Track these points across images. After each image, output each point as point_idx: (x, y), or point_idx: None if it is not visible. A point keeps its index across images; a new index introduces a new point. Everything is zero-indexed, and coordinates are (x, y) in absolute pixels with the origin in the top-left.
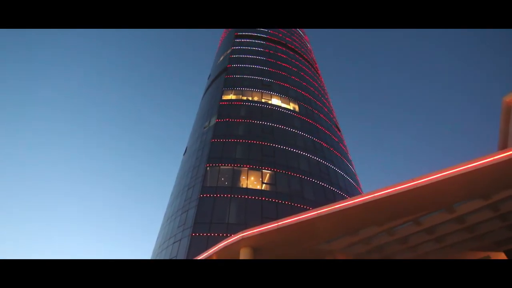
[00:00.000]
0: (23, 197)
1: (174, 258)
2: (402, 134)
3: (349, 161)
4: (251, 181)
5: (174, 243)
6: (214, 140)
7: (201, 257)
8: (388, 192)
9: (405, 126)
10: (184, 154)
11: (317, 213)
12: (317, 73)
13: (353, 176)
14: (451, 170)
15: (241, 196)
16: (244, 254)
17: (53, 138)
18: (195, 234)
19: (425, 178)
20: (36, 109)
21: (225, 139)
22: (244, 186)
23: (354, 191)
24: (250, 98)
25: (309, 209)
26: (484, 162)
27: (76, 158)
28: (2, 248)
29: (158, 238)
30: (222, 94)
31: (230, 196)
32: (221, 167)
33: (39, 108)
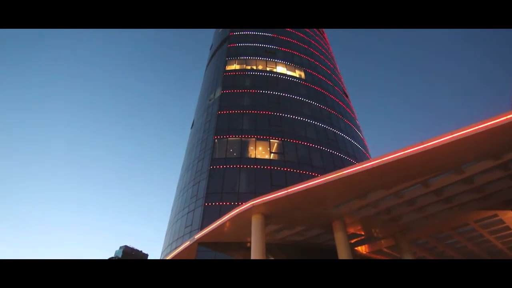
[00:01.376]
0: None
1: (189, 227)
2: (410, 101)
3: (357, 127)
4: (259, 151)
5: (188, 213)
6: (221, 112)
7: (215, 224)
8: (397, 156)
9: (413, 93)
10: (191, 127)
11: (325, 179)
12: (324, 38)
13: (361, 142)
14: (462, 131)
15: (250, 166)
16: (255, 221)
17: (65, 117)
18: (208, 204)
19: (435, 140)
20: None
21: (231, 110)
22: (253, 156)
23: (362, 157)
24: (254, 67)
25: (317, 176)
26: (496, 122)
27: (88, 136)
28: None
29: (172, 209)
30: (225, 64)
31: (239, 166)
32: (229, 138)
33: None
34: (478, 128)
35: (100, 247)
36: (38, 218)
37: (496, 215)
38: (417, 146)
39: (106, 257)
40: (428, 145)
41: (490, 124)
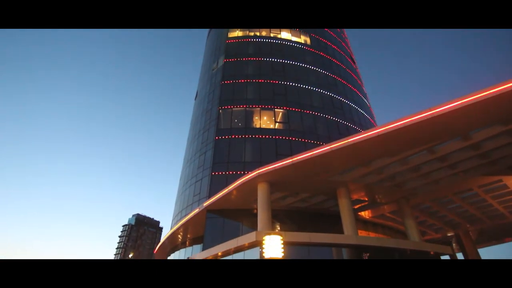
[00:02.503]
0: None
1: (197, 195)
2: (418, 63)
3: (364, 94)
4: (264, 120)
5: (196, 182)
6: (224, 82)
7: (222, 193)
8: (404, 123)
9: (422, 55)
10: (195, 98)
11: (330, 147)
12: None
13: (367, 109)
14: (471, 97)
15: (255, 136)
16: (261, 189)
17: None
18: (215, 173)
19: (443, 106)
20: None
21: (235, 80)
22: (258, 126)
23: (368, 124)
24: (258, 34)
25: (322, 144)
26: (508, 87)
27: (92, 108)
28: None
29: (181, 178)
30: (227, 31)
31: (245, 136)
32: (233, 109)
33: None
34: (488, 93)
35: (115, 216)
36: (55, 188)
37: (500, 180)
38: (425, 113)
39: (121, 224)
40: (437, 111)
41: (501, 89)
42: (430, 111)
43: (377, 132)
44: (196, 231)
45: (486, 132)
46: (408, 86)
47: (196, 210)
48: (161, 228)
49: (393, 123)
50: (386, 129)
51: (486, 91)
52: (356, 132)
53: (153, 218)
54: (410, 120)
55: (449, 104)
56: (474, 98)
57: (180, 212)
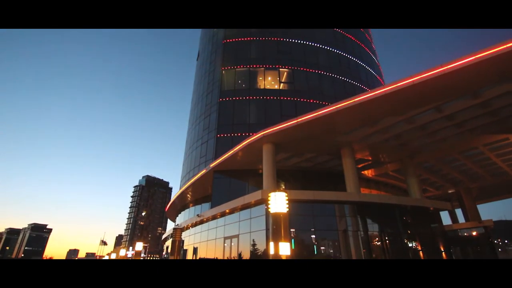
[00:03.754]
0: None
1: (204, 157)
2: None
3: (373, 51)
4: (269, 81)
5: (202, 144)
6: (226, 41)
7: (228, 154)
8: (412, 81)
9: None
10: (197, 59)
11: (336, 107)
12: None
13: (375, 67)
14: (484, 52)
15: (259, 97)
16: (266, 150)
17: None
18: (220, 135)
19: (455, 63)
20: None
21: (238, 38)
22: (262, 87)
23: (375, 83)
24: None
25: (328, 105)
26: None
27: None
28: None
29: (187, 140)
30: None
31: (249, 98)
32: (237, 69)
33: None
34: (503, 48)
35: (127, 177)
36: (67, 149)
37: (507, 139)
38: (435, 70)
39: (132, 185)
40: (447, 68)
41: None
42: (441, 67)
43: (385, 91)
44: (204, 190)
45: (497, 90)
46: (417, 43)
47: (203, 171)
48: (171, 189)
49: (402, 81)
50: (394, 87)
51: (499, 47)
52: (363, 91)
53: (162, 179)
54: (420, 78)
55: (462, 60)
56: (488, 54)
57: (188, 173)
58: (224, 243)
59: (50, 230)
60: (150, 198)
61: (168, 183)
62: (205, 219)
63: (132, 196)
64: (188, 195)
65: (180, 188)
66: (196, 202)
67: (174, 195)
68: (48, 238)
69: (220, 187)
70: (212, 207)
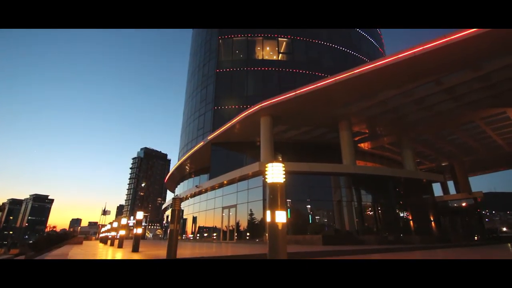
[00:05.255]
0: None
1: (201, 129)
2: None
3: None
4: (267, 51)
5: (199, 116)
6: None
7: (225, 126)
8: (413, 52)
9: None
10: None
11: (334, 79)
12: None
13: (377, 37)
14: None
15: (257, 69)
16: (264, 122)
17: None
18: (217, 108)
19: (457, 34)
20: None
21: None
22: (260, 57)
23: (377, 55)
24: None
25: (327, 76)
26: None
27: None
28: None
29: (184, 112)
30: None
31: (247, 69)
32: (234, 39)
33: None
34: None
35: (126, 149)
36: (67, 120)
37: (504, 113)
38: (438, 41)
39: (130, 157)
40: (448, 39)
41: None
42: (443, 38)
43: (385, 62)
44: (203, 162)
45: (499, 63)
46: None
47: (201, 144)
48: (169, 160)
49: (403, 53)
50: (395, 59)
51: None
52: (364, 63)
53: (160, 151)
54: (422, 49)
55: (462, 32)
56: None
57: (186, 145)
58: (223, 212)
59: (52, 200)
60: (149, 170)
61: (166, 155)
62: (203, 190)
63: (131, 168)
64: (187, 167)
65: (178, 160)
66: (195, 173)
67: (173, 166)
68: (50, 208)
69: (218, 159)
70: (210, 178)
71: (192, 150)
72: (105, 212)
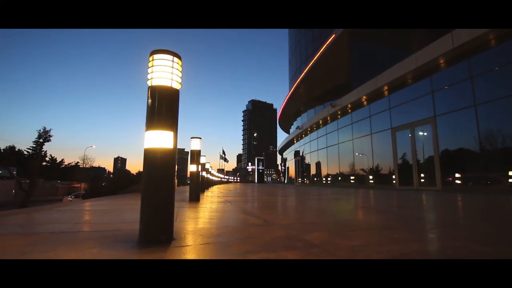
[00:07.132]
0: None
1: (317, 40)
2: None
3: None
4: None
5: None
6: None
7: None
8: None
9: None
10: None
11: None
12: None
13: None
14: None
15: None
16: None
17: None
18: None
19: None
20: None
21: None
22: None
23: None
24: None
25: None
26: None
27: None
28: None
29: (289, 35)
30: None
31: None
32: None
33: None
34: None
35: (236, 103)
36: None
37: None
38: None
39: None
40: None
41: None
42: None
43: None
44: (326, 80)
45: None
46: None
47: (332, 36)
48: (275, 110)
49: None
50: None
51: None
52: None
53: (266, 102)
54: None
55: None
56: None
57: (298, 68)
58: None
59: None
60: (258, 120)
61: (272, 104)
62: (339, 111)
63: (242, 120)
64: (302, 95)
65: (289, 91)
66: (310, 105)
67: (286, 97)
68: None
69: (360, 59)
70: (351, 91)
71: (320, 51)
72: (225, 159)
